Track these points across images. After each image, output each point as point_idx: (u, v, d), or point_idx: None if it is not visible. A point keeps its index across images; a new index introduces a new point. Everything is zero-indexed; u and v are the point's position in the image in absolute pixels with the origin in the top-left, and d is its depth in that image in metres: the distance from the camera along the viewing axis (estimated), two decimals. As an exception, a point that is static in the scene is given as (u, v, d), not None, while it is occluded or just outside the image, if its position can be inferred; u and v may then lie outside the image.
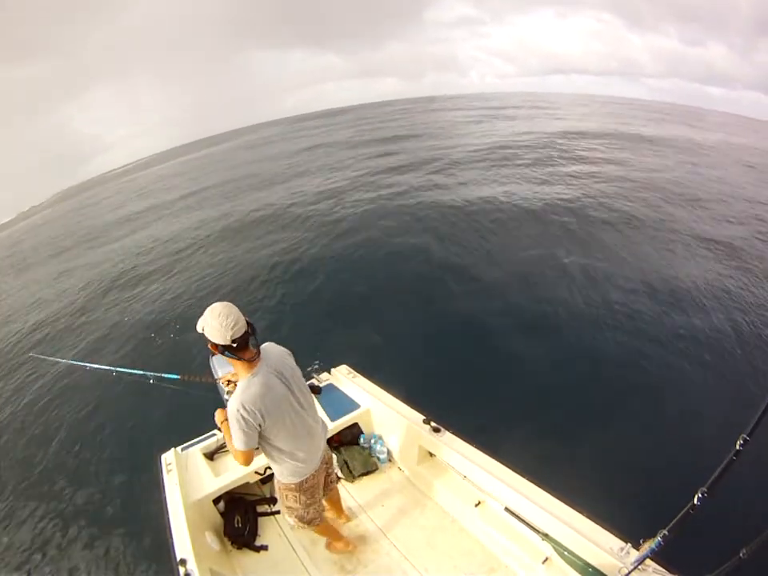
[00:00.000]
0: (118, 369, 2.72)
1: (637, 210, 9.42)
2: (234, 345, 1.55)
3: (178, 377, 2.50)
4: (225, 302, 1.60)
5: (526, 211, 9.41)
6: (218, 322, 1.53)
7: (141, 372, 2.56)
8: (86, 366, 2.78)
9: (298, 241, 9.15)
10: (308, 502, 2.04)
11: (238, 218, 11.86)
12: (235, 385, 2.03)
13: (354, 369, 3.37)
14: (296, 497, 2.00)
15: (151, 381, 2.51)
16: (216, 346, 1.58)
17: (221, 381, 2.16)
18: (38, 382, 5.63)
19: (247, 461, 1.76)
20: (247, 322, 1.61)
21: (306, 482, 1.97)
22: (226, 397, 2.16)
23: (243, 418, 1.60)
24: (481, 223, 8.93)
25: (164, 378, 2.52)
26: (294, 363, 1.90)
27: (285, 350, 1.91)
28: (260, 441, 1.76)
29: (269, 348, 1.83)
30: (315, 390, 2.19)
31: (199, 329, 1.60)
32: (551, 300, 6.15)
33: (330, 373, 3.43)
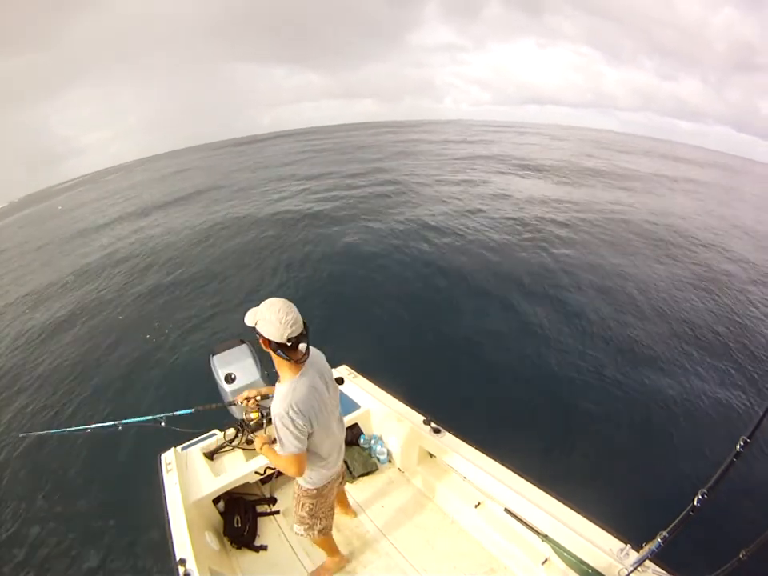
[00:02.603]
0: (124, 421, 2.34)
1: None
2: (289, 344, 1.49)
3: (192, 410, 2.36)
4: (283, 299, 1.53)
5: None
6: (276, 318, 1.46)
7: (149, 417, 2.30)
8: (87, 429, 2.40)
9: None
10: (322, 508, 2.01)
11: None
12: (255, 402, 2.00)
13: (354, 369, 3.37)
14: (313, 504, 1.96)
15: (163, 423, 2.28)
16: (269, 342, 1.50)
17: (239, 400, 2.08)
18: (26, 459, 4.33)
19: (301, 467, 1.69)
20: (303, 323, 1.54)
21: (327, 486, 1.95)
22: (249, 416, 2.11)
23: (293, 420, 1.53)
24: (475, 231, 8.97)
25: (177, 415, 2.30)
26: (328, 368, 1.85)
27: (319, 351, 1.86)
28: None
29: (311, 350, 1.74)
30: (339, 380, 2.10)
31: (250, 322, 1.51)
32: (553, 304, 6.17)
33: (330, 373, 3.43)
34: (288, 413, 1.53)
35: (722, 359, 4.97)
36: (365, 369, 3.36)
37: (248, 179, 19.28)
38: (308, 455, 1.75)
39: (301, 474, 1.73)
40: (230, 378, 2.56)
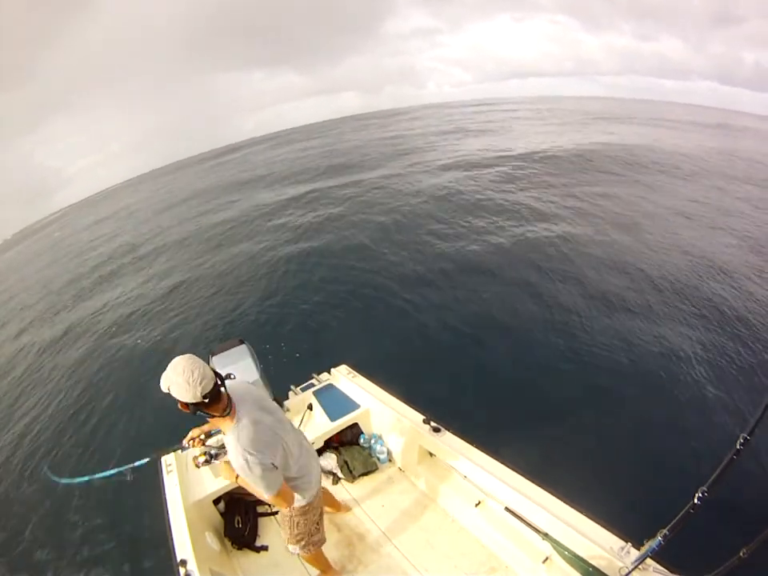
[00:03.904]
0: (95, 476, 2.61)
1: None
2: (206, 400, 1.43)
3: (147, 459, 2.47)
4: (187, 355, 1.47)
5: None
6: (183, 379, 1.40)
7: (115, 471, 2.46)
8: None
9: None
10: (314, 520, 2.00)
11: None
12: (201, 442, 1.92)
13: (353, 369, 3.37)
14: (306, 519, 1.96)
15: (128, 477, 2.42)
16: (186, 404, 1.45)
17: (184, 442, 1.99)
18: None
19: (289, 500, 1.71)
20: (214, 372, 1.50)
21: (316, 497, 1.95)
22: (196, 458, 1.93)
23: (258, 463, 1.51)
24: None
25: (136, 467, 2.44)
26: (261, 392, 1.90)
27: (247, 383, 1.85)
28: None
29: (234, 388, 1.70)
30: (278, 401, 2.13)
31: (164, 388, 1.45)
32: (552, 302, 6.17)
33: (329, 373, 3.43)
34: (247, 460, 1.51)
35: (723, 356, 4.96)
36: (365, 368, 3.36)
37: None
38: (286, 482, 1.77)
39: (291, 504, 1.75)
40: (229, 379, 2.56)
